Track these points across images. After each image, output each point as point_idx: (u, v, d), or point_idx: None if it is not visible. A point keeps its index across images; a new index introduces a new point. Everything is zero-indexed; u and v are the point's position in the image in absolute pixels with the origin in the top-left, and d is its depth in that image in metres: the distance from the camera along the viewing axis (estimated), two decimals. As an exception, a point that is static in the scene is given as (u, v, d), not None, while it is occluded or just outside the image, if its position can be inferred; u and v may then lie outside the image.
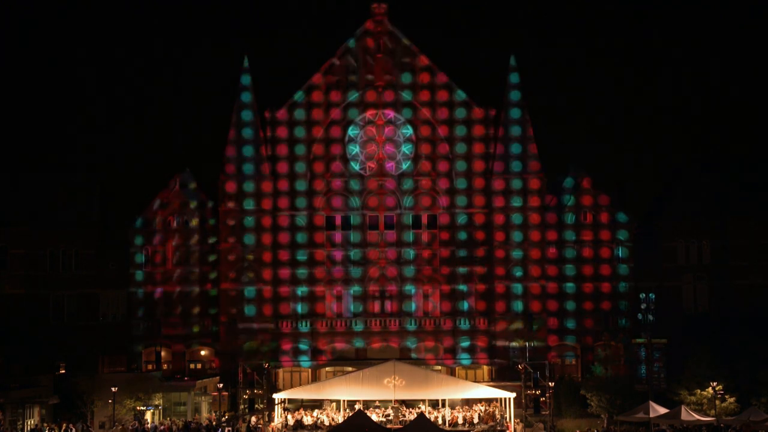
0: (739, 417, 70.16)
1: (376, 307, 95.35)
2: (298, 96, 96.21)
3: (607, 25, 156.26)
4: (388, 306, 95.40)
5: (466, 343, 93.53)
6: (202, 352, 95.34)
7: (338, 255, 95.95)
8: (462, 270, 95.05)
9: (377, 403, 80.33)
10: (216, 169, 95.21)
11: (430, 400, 78.44)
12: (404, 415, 76.01)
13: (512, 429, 75.35)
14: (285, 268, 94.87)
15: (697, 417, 68.99)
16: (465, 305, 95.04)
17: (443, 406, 78.54)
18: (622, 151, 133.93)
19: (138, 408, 79.61)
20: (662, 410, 69.86)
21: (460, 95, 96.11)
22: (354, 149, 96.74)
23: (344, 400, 79.39)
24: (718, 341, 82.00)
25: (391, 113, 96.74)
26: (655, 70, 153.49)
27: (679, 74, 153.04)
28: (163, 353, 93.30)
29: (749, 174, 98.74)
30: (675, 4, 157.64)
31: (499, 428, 75.25)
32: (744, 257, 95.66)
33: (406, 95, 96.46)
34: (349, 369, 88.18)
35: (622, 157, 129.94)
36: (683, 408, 69.22)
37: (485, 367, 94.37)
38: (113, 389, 75.90)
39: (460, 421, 76.98)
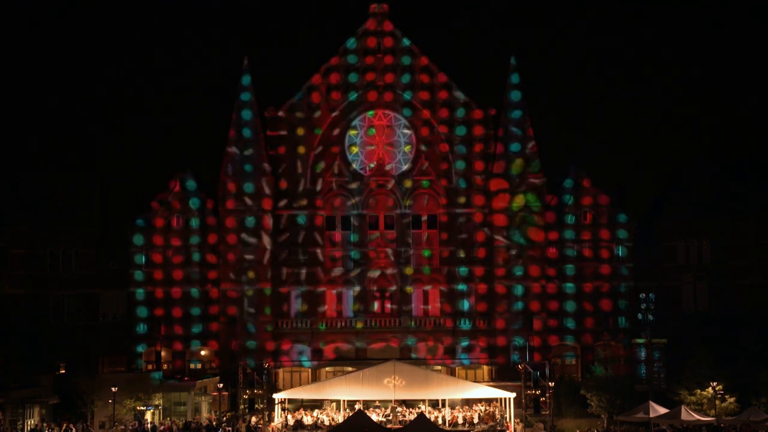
0: (739, 417, 70.18)
1: (376, 307, 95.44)
2: (298, 96, 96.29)
3: (607, 25, 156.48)
4: (388, 306, 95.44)
5: (465, 343, 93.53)
6: (202, 352, 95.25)
7: (338, 255, 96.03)
8: (462, 270, 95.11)
9: (377, 403, 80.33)
10: (216, 169, 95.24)
11: (430, 400, 78.40)
12: (404, 416, 75.96)
13: (512, 429, 75.34)
14: (285, 268, 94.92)
15: (697, 417, 68.99)
16: (465, 305, 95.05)
17: (443, 406, 78.52)
18: (622, 151, 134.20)
19: (138, 408, 79.52)
20: (662, 410, 69.88)
21: (460, 95, 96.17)
22: (354, 149, 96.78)
23: (344, 400, 79.39)
24: (718, 341, 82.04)
25: (391, 113, 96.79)
26: (655, 70, 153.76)
27: (678, 74, 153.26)
28: (163, 353, 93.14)
29: (749, 174, 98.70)
30: (675, 3, 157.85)
31: (499, 428, 75.25)
32: (744, 257, 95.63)
33: (406, 95, 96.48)
34: (349, 369, 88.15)
35: (622, 157, 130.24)
36: (683, 408, 69.23)
37: (485, 367, 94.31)
38: (113, 389, 75.78)
39: (460, 421, 76.95)
